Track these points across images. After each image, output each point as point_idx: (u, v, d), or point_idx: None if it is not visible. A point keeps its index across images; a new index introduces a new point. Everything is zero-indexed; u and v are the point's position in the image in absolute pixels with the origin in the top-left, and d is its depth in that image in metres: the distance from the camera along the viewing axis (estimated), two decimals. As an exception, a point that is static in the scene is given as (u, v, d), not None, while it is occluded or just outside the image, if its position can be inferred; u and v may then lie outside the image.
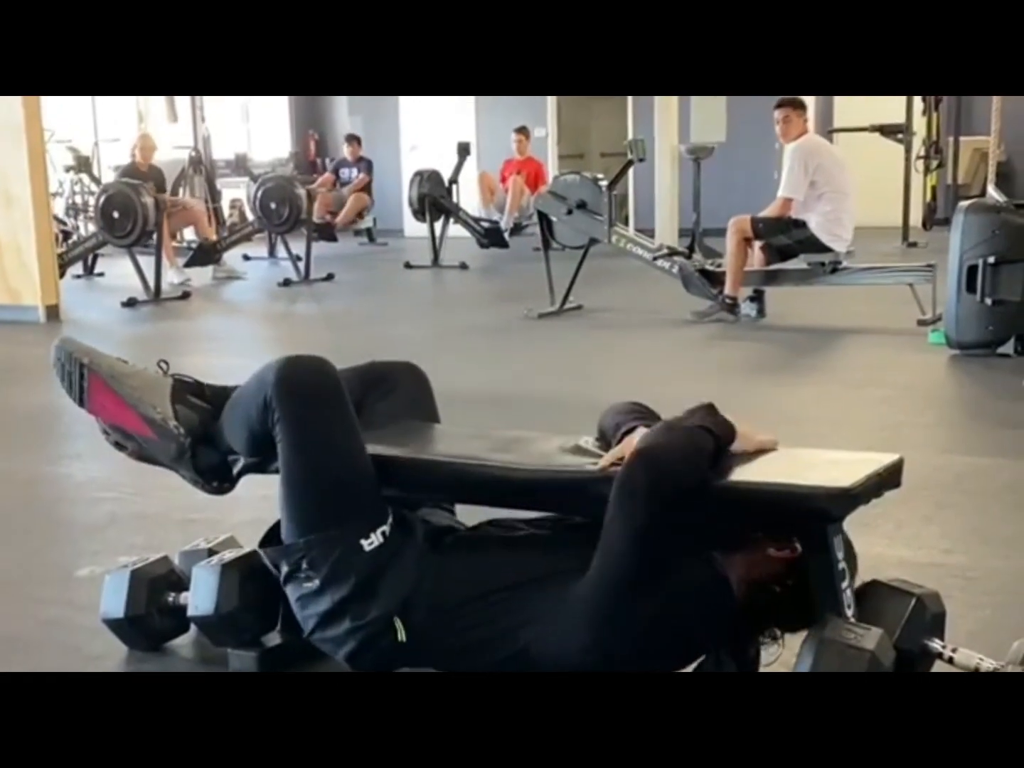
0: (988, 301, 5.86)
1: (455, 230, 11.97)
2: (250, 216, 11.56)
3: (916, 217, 11.86)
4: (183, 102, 14.43)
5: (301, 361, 2.35)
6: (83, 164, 10.97)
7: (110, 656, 2.64)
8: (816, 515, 2.06)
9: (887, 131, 11.44)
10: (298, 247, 10.54)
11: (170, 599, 2.66)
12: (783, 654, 2.15)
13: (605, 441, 2.30)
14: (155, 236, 9.26)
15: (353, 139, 13.86)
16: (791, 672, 2.03)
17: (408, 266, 11.28)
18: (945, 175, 12.74)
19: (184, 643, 2.70)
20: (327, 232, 12.15)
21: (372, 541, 2.21)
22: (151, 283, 9.20)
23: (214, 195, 13.04)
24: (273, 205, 10.41)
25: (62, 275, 9.09)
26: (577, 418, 2.63)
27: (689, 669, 2.14)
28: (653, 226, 11.90)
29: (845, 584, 2.08)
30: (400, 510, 2.31)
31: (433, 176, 11.80)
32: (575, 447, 2.33)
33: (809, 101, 9.19)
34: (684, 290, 7.62)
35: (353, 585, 2.19)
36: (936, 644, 2.16)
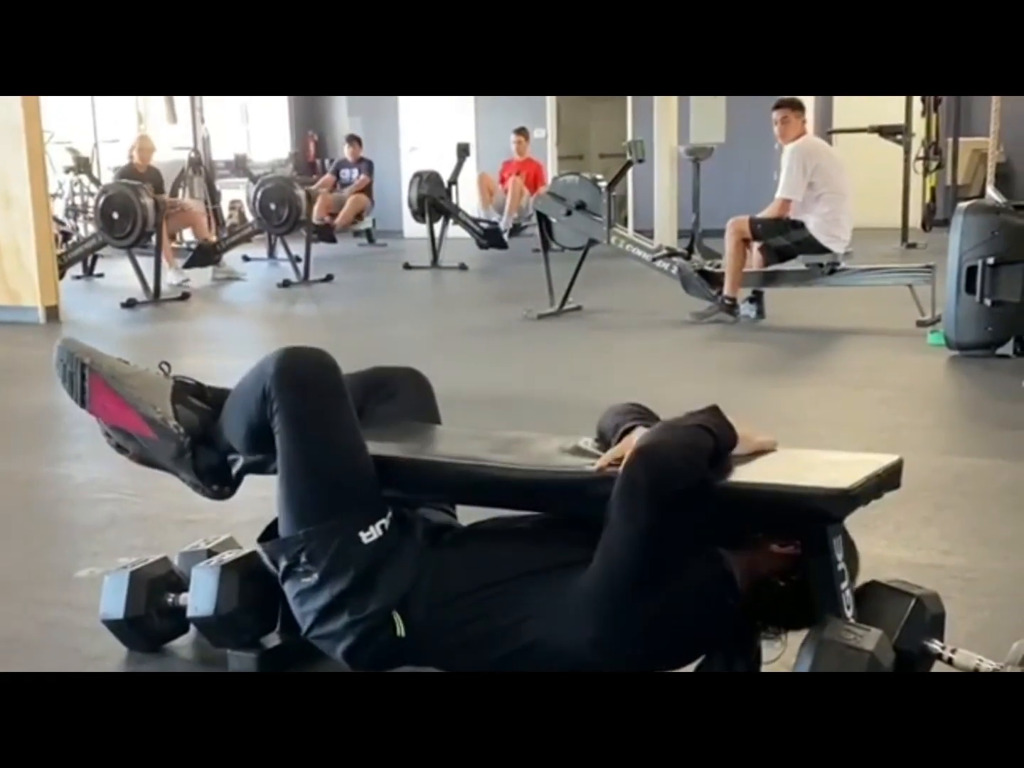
0: (987, 302, 5.86)
1: (454, 231, 11.98)
2: (249, 217, 11.57)
3: (915, 218, 11.87)
4: (183, 103, 14.45)
5: (300, 352, 2.35)
6: (83, 165, 10.98)
7: (110, 657, 2.64)
8: (816, 516, 2.06)
9: (886, 132, 11.45)
10: (297, 248, 10.54)
11: (169, 600, 2.65)
12: (784, 653, 2.15)
13: (604, 442, 2.30)
14: (154, 237, 9.27)
15: (354, 140, 13.86)
16: (790, 672, 2.03)
17: (407, 267, 11.28)
18: (944, 176, 12.75)
19: (183, 644, 2.70)
20: (326, 233, 12.15)
21: (371, 534, 2.21)
22: (150, 284, 9.20)
23: (213, 196, 13.05)
24: (272, 206, 10.42)
25: (61, 276, 9.09)
26: (576, 419, 2.64)
27: (692, 667, 2.14)
28: (652, 227, 11.91)
29: (845, 585, 2.08)
30: (399, 508, 2.31)
31: (432, 177, 11.81)
32: (575, 448, 2.33)
33: (808, 102, 9.20)
34: (683, 291, 7.63)
35: (351, 578, 2.19)
36: (935, 645, 2.16)
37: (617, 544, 2.01)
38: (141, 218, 9.11)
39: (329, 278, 10.38)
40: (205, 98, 14.26)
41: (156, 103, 14.89)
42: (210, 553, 2.67)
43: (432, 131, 14.95)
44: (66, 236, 11.39)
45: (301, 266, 10.36)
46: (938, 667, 2.17)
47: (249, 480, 2.60)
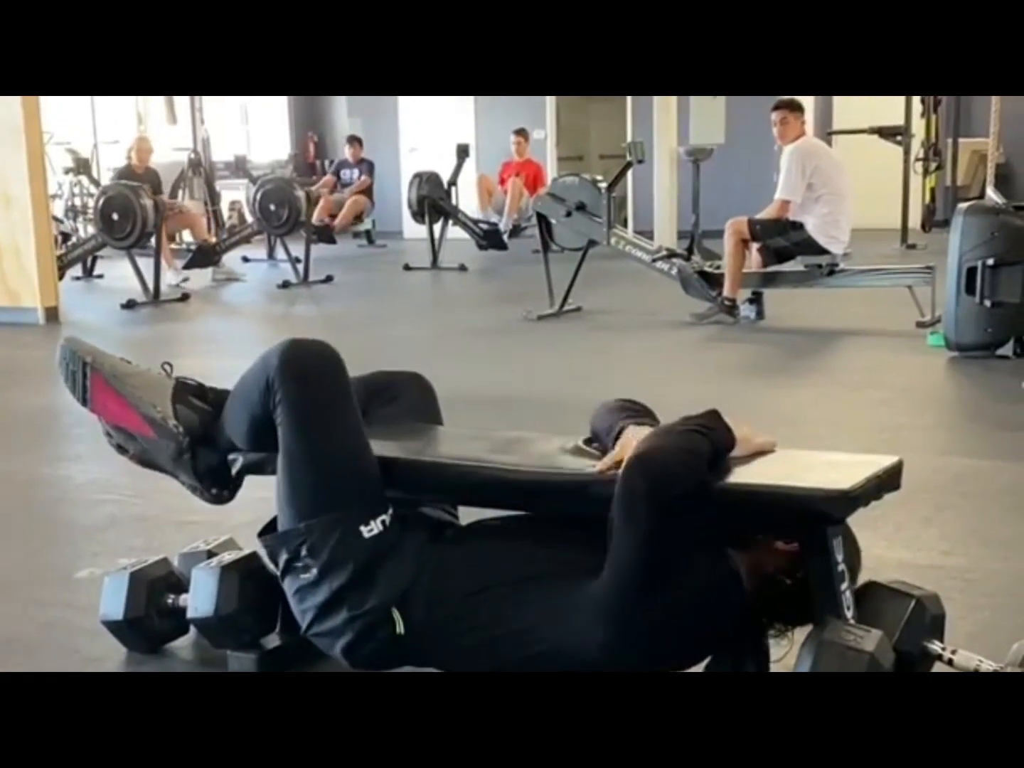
0: (987, 303, 5.86)
1: (454, 232, 11.98)
2: (249, 218, 11.57)
3: (915, 219, 11.87)
4: (182, 104, 14.45)
5: (305, 344, 2.36)
6: (82, 166, 10.97)
7: (109, 658, 2.64)
8: (816, 517, 2.06)
9: (886, 133, 11.45)
10: (297, 249, 10.55)
11: (169, 601, 2.65)
12: (790, 652, 2.14)
13: (600, 443, 2.30)
14: (154, 238, 9.27)
15: (354, 140, 13.86)
16: (790, 672, 2.03)
17: (407, 268, 11.29)
18: (944, 177, 12.75)
19: (183, 645, 2.70)
20: (326, 234, 12.15)
21: (372, 528, 2.21)
22: (150, 285, 9.20)
23: (213, 197, 13.05)
24: (272, 207, 10.42)
25: (61, 277, 9.09)
26: (576, 419, 2.63)
27: (701, 666, 2.14)
28: (652, 228, 11.91)
29: (845, 586, 2.08)
30: (401, 507, 2.31)
31: (432, 178, 11.82)
32: (575, 448, 2.33)
33: (808, 103, 9.20)
34: (683, 292, 7.63)
35: (351, 573, 2.19)
36: (936, 646, 2.16)
37: (622, 548, 2.01)
38: (141, 219, 9.11)
39: (329, 279, 10.38)
40: (205, 99, 14.27)
41: (156, 104, 14.90)
42: (210, 554, 2.67)
43: (432, 132, 14.95)
44: (66, 237, 11.39)
45: (301, 267, 10.37)
46: (938, 668, 2.17)
47: (249, 481, 2.60)
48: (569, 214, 7.93)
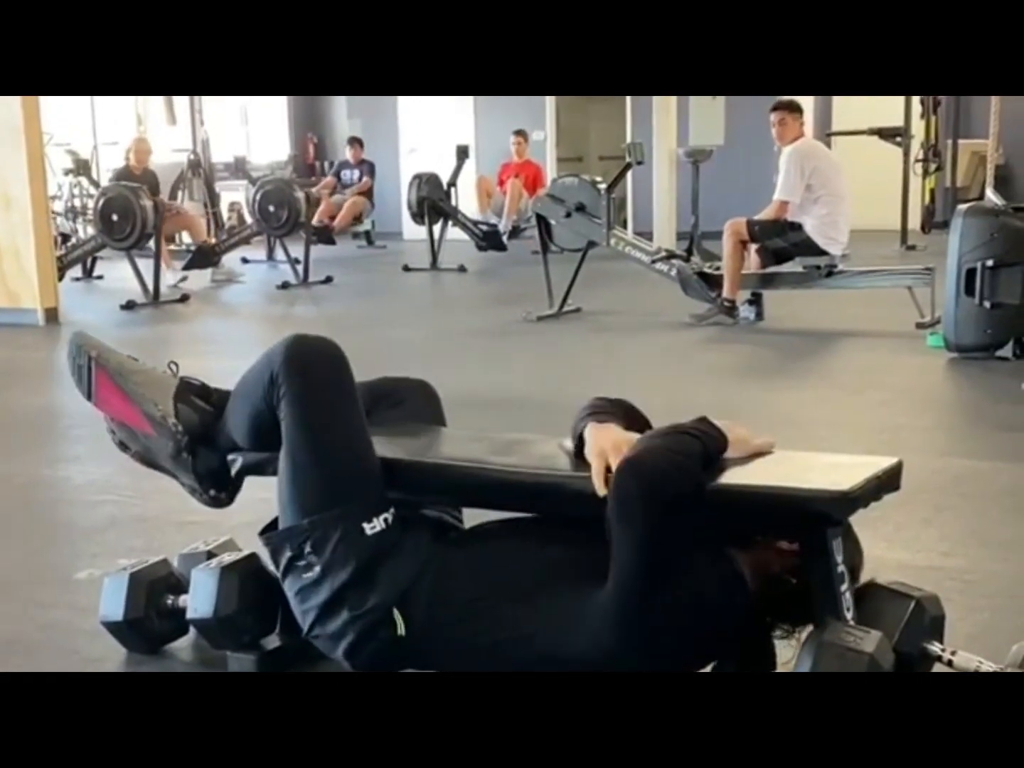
0: (987, 304, 5.86)
1: (453, 233, 11.99)
2: (249, 219, 11.57)
3: (915, 220, 11.87)
4: (182, 105, 14.45)
5: (309, 340, 2.36)
6: (82, 167, 10.98)
7: (109, 659, 2.64)
8: (816, 518, 2.06)
9: (885, 134, 11.45)
10: (297, 250, 10.55)
11: (169, 602, 2.66)
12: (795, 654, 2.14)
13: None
14: (153, 239, 9.27)
15: (355, 142, 13.86)
16: (789, 673, 2.03)
17: (406, 269, 11.29)
18: (944, 178, 12.75)
19: (183, 646, 2.70)
20: (325, 235, 12.15)
21: (374, 526, 2.21)
22: (150, 286, 9.20)
23: (213, 198, 13.06)
24: (272, 208, 10.42)
25: (61, 278, 9.09)
26: (576, 421, 2.63)
27: (708, 667, 2.15)
28: (651, 229, 11.91)
29: (844, 587, 2.08)
30: (403, 509, 2.31)
31: (432, 179, 11.82)
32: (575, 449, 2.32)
33: (808, 104, 9.20)
34: (682, 293, 7.63)
35: (352, 571, 2.19)
36: (935, 647, 2.15)
37: (622, 554, 2.00)
38: (140, 220, 9.11)
39: (328, 280, 10.39)
40: (204, 100, 14.27)
41: (155, 105, 14.91)
42: (210, 555, 2.67)
43: (431, 133, 14.95)
44: (65, 238, 11.39)
45: (300, 268, 10.37)
46: (938, 669, 2.17)
47: (249, 482, 2.60)
48: (569, 215, 7.93)
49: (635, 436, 2.17)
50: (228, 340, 7.83)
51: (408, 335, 7.53)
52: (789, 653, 2.13)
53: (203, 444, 2.54)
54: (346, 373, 2.33)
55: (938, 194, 12.47)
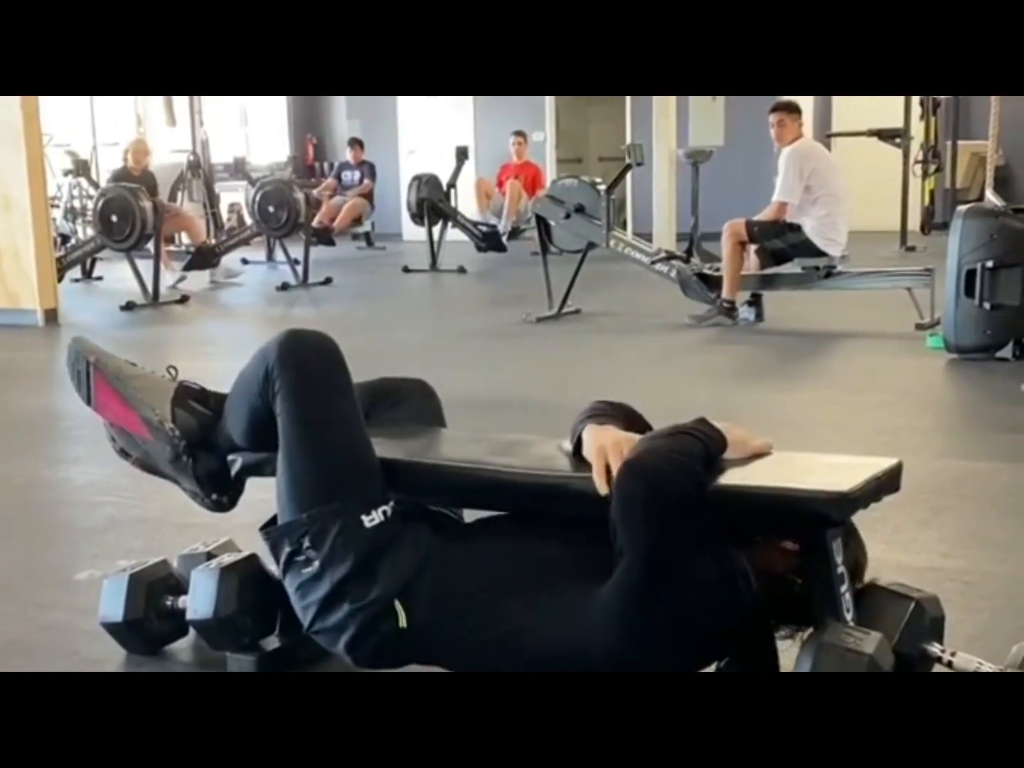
0: (986, 305, 5.86)
1: (453, 234, 11.99)
2: (248, 220, 11.57)
3: (914, 221, 11.87)
4: (181, 106, 14.44)
5: (303, 334, 2.36)
6: (81, 168, 10.98)
7: (109, 660, 2.64)
8: (815, 519, 2.06)
9: (885, 135, 11.45)
10: (296, 251, 10.54)
11: (169, 603, 2.65)
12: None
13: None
14: (153, 240, 9.27)
15: (356, 143, 13.87)
16: (789, 673, 2.03)
17: (406, 270, 11.29)
18: (943, 179, 12.75)
19: (183, 647, 2.70)
20: (325, 236, 12.15)
21: (373, 518, 2.21)
22: (149, 287, 9.20)
23: (212, 199, 13.05)
24: (271, 209, 10.42)
25: (60, 279, 9.09)
26: (576, 422, 2.63)
27: (711, 667, 2.15)
28: (651, 230, 11.91)
29: (844, 588, 2.08)
30: (402, 505, 2.30)
31: (431, 180, 11.82)
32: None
33: (807, 105, 9.21)
34: (682, 294, 7.63)
35: (352, 564, 2.18)
36: (935, 648, 2.15)
37: (626, 555, 2.01)
38: (140, 221, 9.11)
39: (328, 281, 10.39)
40: (204, 101, 14.26)
41: (155, 106, 14.90)
42: (209, 556, 2.67)
43: (431, 134, 14.97)
44: (65, 239, 11.39)
45: (300, 269, 10.37)
46: (938, 670, 2.17)
47: (249, 483, 2.60)
48: (568, 216, 7.93)
49: (634, 436, 2.17)
50: (228, 341, 7.82)
51: (408, 336, 7.53)
52: (791, 655, 2.13)
53: (202, 448, 2.54)
54: (341, 367, 2.33)
55: (938, 195, 12.47)
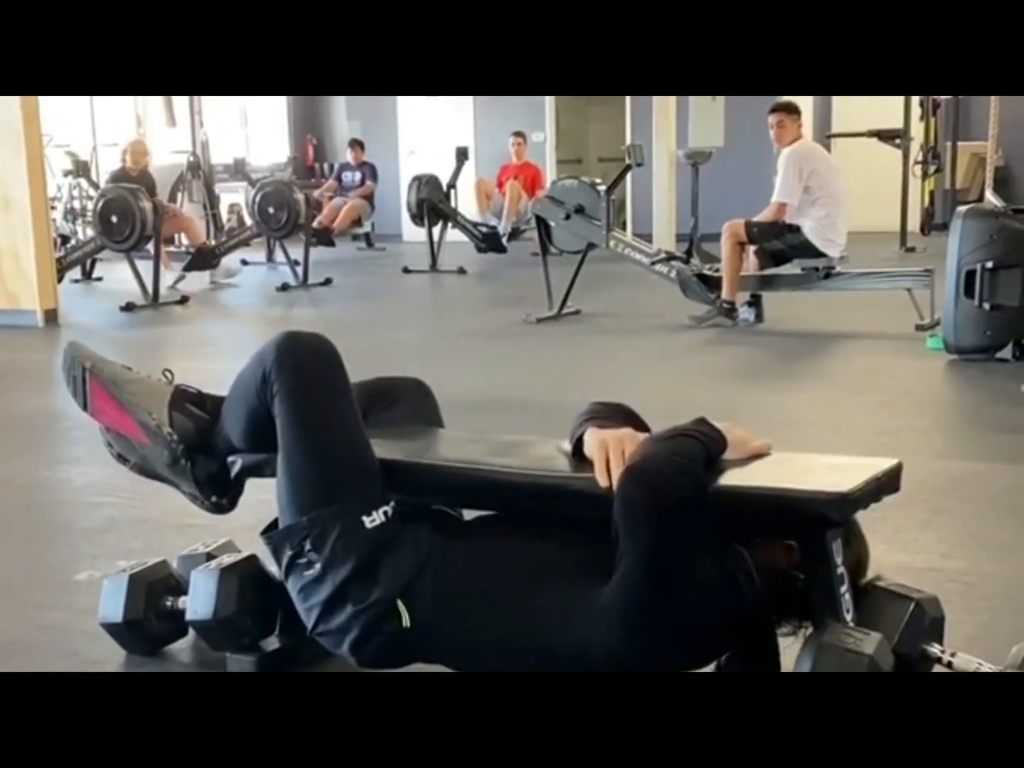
0: (986, 306, 5.86)
1: (453, 235, 11.99)
2: (248, 221, 11.57)
3: (914, 222, 11.87)
4: (181, 106, 14.44)
5: (300, 336, 2.36)
6: (81, 169, 10.98)
7: (108, 660, 2.63)
8: (815, 520, 2.06)
9: (885, 136, 11.46)
10: (296, 252, 10.54)
11: (168, 603, 2.65)
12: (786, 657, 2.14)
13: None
14: (153, 241, 9.27)
15: (356, 144, 13.87)
16: (789, 673, 2.03)
17: (406, 271, 11.29)
18: (943, 180, 12.75)
19: (182, 647, 2.70)
20: (325, 237, 12.15)
21: (374, 519, 2.21)
22: (149, 288, 9.20)
23: (212, 200, 13.04)
24: (271, 210, 10.42)
25: (60, 279, 9.09)
26: (576, 422, 2.63)
27: (713, 665, 2.15)
28: (651, 231, 11.92)
29: (844, 588, 2.08)
30: (402, 506, 2.30)
31: (431, 181, 11.82)
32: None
33: (807, 106, 9.21)
34: (682, 295, 7.63)
35: (354, 566, 2.18)
36: (935, 649, 2.15)
37: (626, 560, 2.01)
38: (140, 222, 9.11)
39: (328, 282, 10.39)
40: (204, 101, 14.26)
41: (155, 106, 14.90)
42: (209, 556, 2.67)
43: (431, 135, 14.97)
44: (65, 239, 11.39)
45: (300, 270, 10.37)
46: (938, 671, 2.17)
47: (248, 483, 2.60)
48: (568, 217, 7.93)
49: (636, 432, 2.17)
50: (227, 342, 7.82)
51: (407, 337, 7.53)
52: (792, 655, 2.13)
53: (200, 451, 2.54)
54: (338, 368, 2.33)
55: (937, 196, 12.47)
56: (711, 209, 10.63)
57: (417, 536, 2.24)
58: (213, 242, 11.14)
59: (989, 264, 5.84)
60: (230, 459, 2.53)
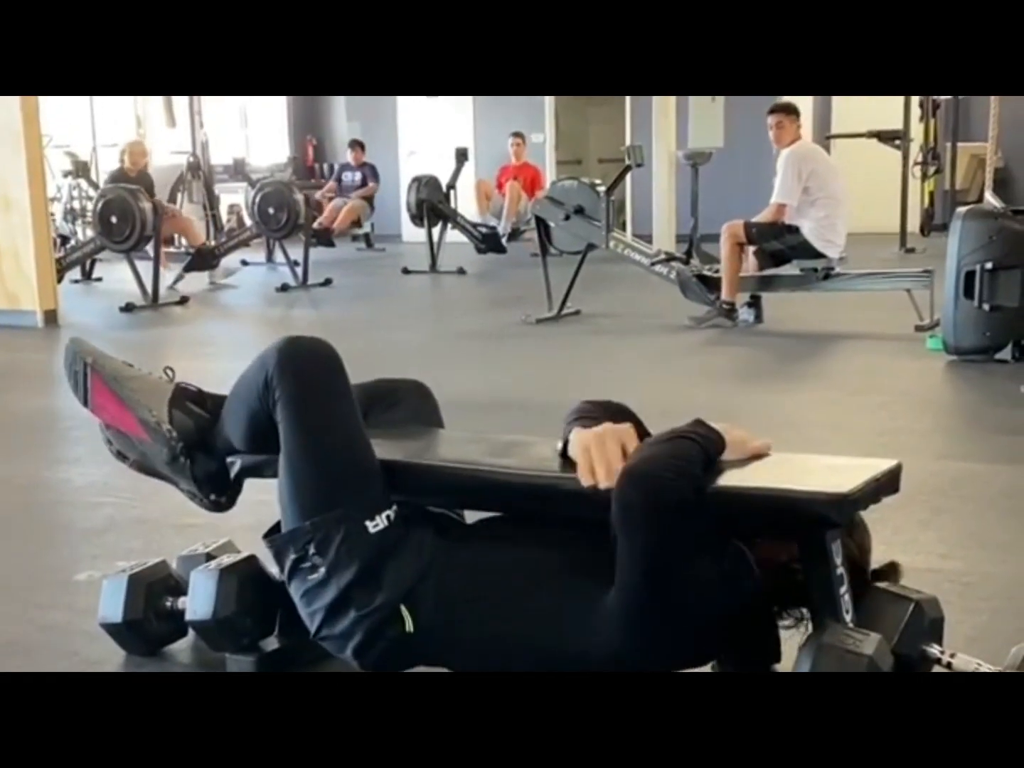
0: (986, 307, 5.86)
1: (453, 235, 11.99)
2: (248, 221, 11.57)
3: (914, 223, 11.88)
4: (181, 107, 14.44)
5: (302, 340, 2.36)
6: (81, 169, 10.98)
7: (108, 661, 2.63)
8: (815, 520, 2.06)
9: (884, 137, 11.46)
10: (296, 252, 10.54)
11: (168, 603, 2.65)
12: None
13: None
14: (152, 241, 9.27)
15: (356, 144, 13.88)
16: (788, 673, 2.03)
17: (406, 271, 11.29)
18: (943, 181, 12.76)
19: (182, 648, 2.70)
20: (325, 237, 12.16)
21: (377, 524, 2.21)
22: (149, 288, 9.20)
23: (212, 200, 13.04)
24: (271, 210, 10.42)
25: (60, 280, 9.09)
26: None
27: (713, 661, 2.16)
28: (651, 232, 11.92)
29: (843, 589, 2.08)
30: (404, 508, 2.31)
31: (431, 181, 11.83)
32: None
33: (807, 107, 9.21)
34: (681, 295, 7.64)
35: (358, 570, 2.18)
36: (934, 649, 2.15)
37: (625, 563, 2.01)
38: (140, 222, 9.12)
39: (327, 282, 10.39)
40: (204, 102, 14.26)
41: (155, 107, 14.90)
42: (209, 557, 2.67)
43: (431, 135, 14.98)
44: (64, 240, 11.39)
45: (299, 270, 10.37)
46: (937, 671, 2.17)
47: (248, 484, 2.60)
48: (568, 218, 7.93)
49: (619, 426, 2.17)
50: (227, 342, 7.83)
51: (407, 337, 7.53)
52: (792, 655, 2.13)
53: (199, 449, 2.54)
54: (340, 373, 2.33)
55: (937, 197, 12.48)
56: (711, 210, 10.64)
57: (420, 540, 2.24)
58: (213, 243, 11.14)
59: (989, 265, 5.84)
60: (229, 459, 2.53)
